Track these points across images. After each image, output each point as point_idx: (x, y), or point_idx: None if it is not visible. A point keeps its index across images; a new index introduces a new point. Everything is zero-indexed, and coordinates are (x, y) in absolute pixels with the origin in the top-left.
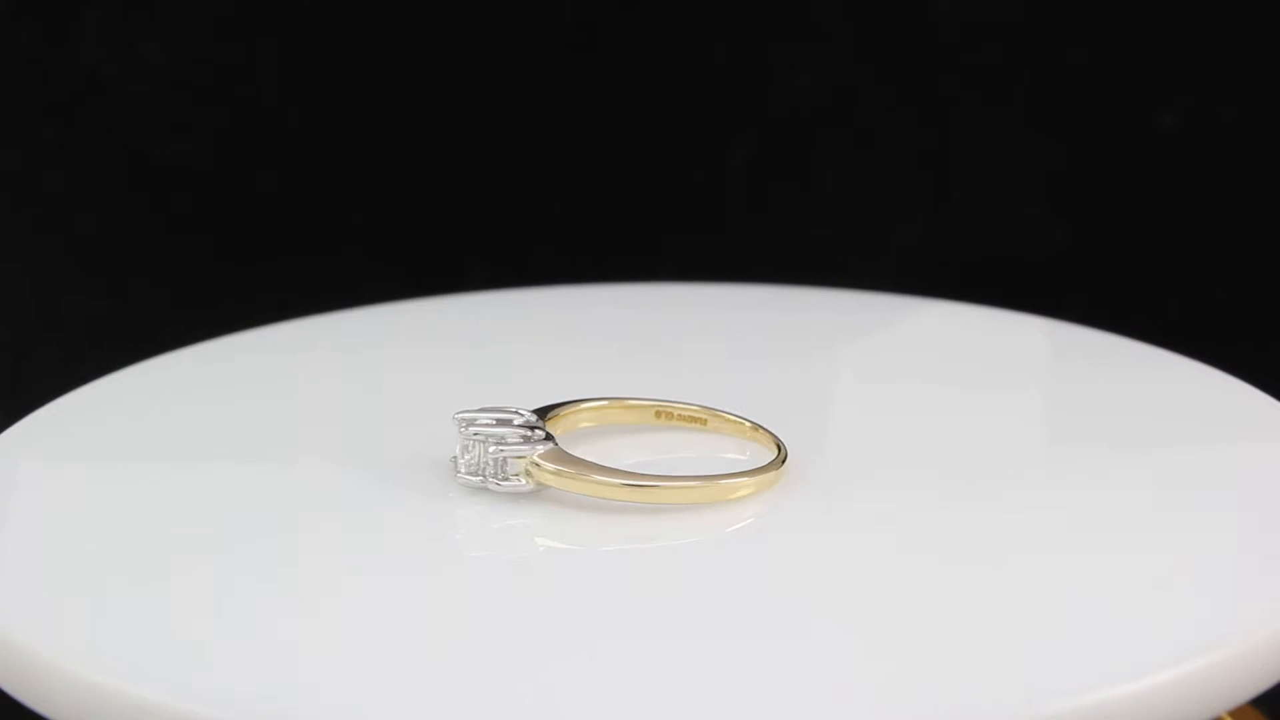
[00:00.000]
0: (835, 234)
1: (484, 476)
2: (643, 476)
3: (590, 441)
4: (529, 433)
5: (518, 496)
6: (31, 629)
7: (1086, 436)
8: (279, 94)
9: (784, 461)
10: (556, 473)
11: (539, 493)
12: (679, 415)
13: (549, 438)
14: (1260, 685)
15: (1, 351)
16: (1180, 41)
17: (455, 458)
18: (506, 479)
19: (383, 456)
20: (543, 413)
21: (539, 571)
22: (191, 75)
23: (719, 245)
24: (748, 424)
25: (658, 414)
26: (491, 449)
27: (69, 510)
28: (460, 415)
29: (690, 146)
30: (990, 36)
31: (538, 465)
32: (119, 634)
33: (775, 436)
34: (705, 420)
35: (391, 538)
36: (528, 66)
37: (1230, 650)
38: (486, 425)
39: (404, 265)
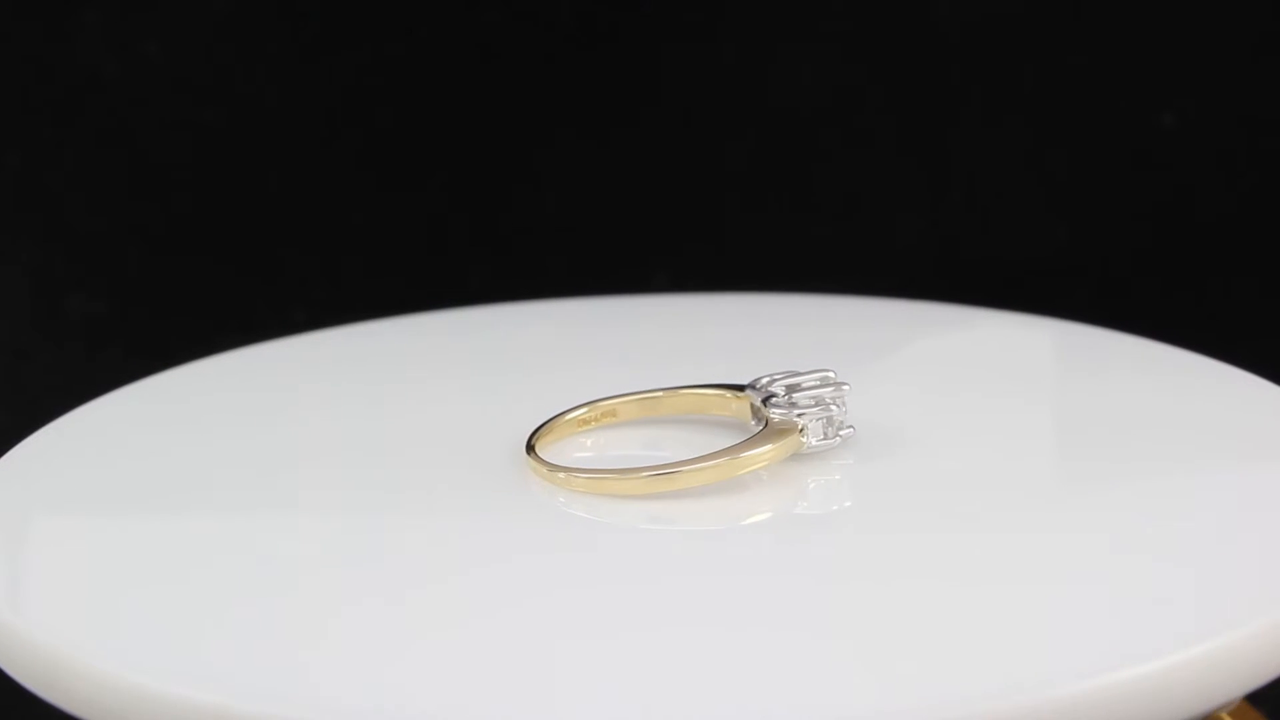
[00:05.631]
0: (835, 234)
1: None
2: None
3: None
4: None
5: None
6: (57, 631)
7: (1121, 444)
8: (279, 94)
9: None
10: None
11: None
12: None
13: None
14: (1258, 678)
15: (2, 351)
16: (1180, 41)
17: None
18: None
19: (386, 473)
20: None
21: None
22: (191, 75)
23: (718, 246)
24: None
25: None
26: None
27: (84, 524)
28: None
29: (690, 147)
30: (990, 37)
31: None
32: (141, 634)
33: (743, 388)
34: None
35: (404, 540)
36: (526, 68)
37: (1227, 639)
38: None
39: (403, 265)
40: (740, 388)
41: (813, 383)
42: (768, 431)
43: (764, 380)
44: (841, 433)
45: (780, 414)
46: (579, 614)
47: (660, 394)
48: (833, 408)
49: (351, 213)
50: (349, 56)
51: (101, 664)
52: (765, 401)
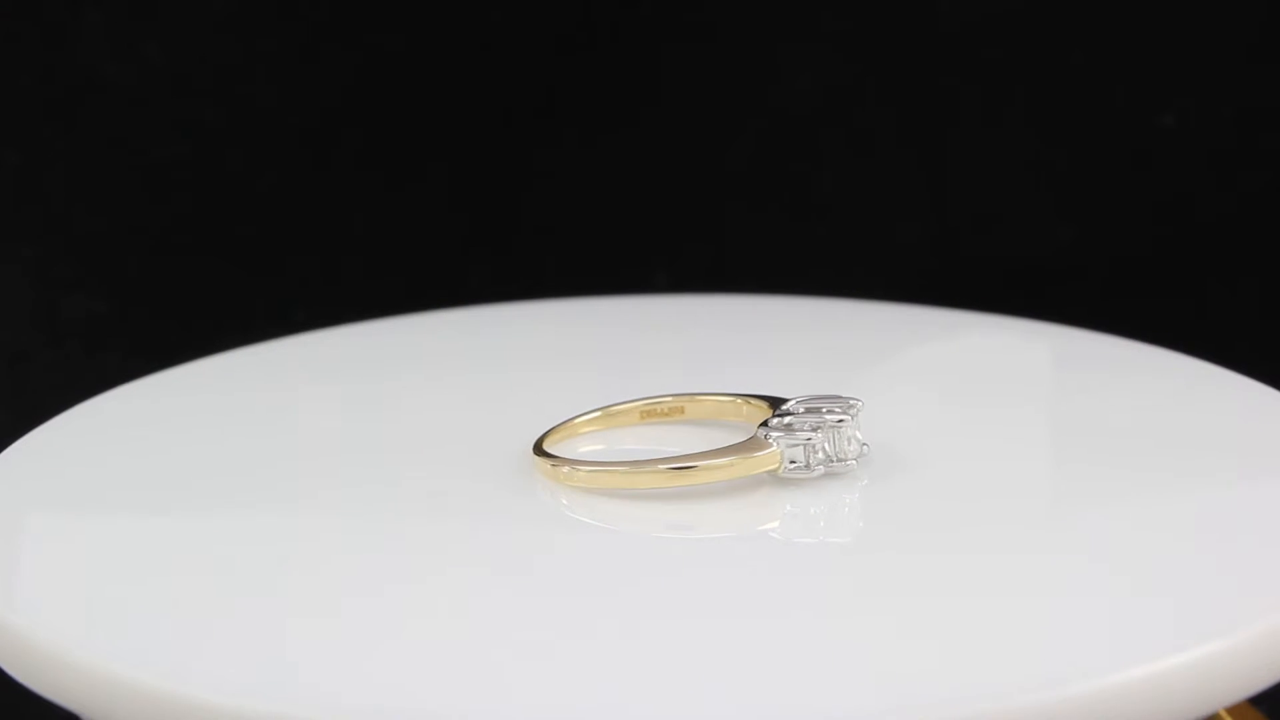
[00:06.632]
0: (835, 235)
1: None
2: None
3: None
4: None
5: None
6: (56, 628)
7: (1121, 453)
8: (279, 94)
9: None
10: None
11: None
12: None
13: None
14: (1260, 682)
15: (2, 351)
16: (1180, 41)
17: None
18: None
19: (385, 474)
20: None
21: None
22: (191, 75)
23: (719, 246)
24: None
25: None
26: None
27: (81, 522)
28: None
29: (690, 147)
30: (990, 36)
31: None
32: (139, 629)
33: (768, 400)
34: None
35: (404, 540)
36: (526, 67)
37: (1230, 641)
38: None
39: (403, 265)
40: (774, 400)
41: (833, 411)
42: (752, 442)
43: (792, 400)
44: (834, 465)
45: (774, 435)
46: (577, 616)
47: (669, 399)
48: (814, 436)
49: (351, 213)
50: (349, 56)
51: (98, 660)
52: (773, 416)
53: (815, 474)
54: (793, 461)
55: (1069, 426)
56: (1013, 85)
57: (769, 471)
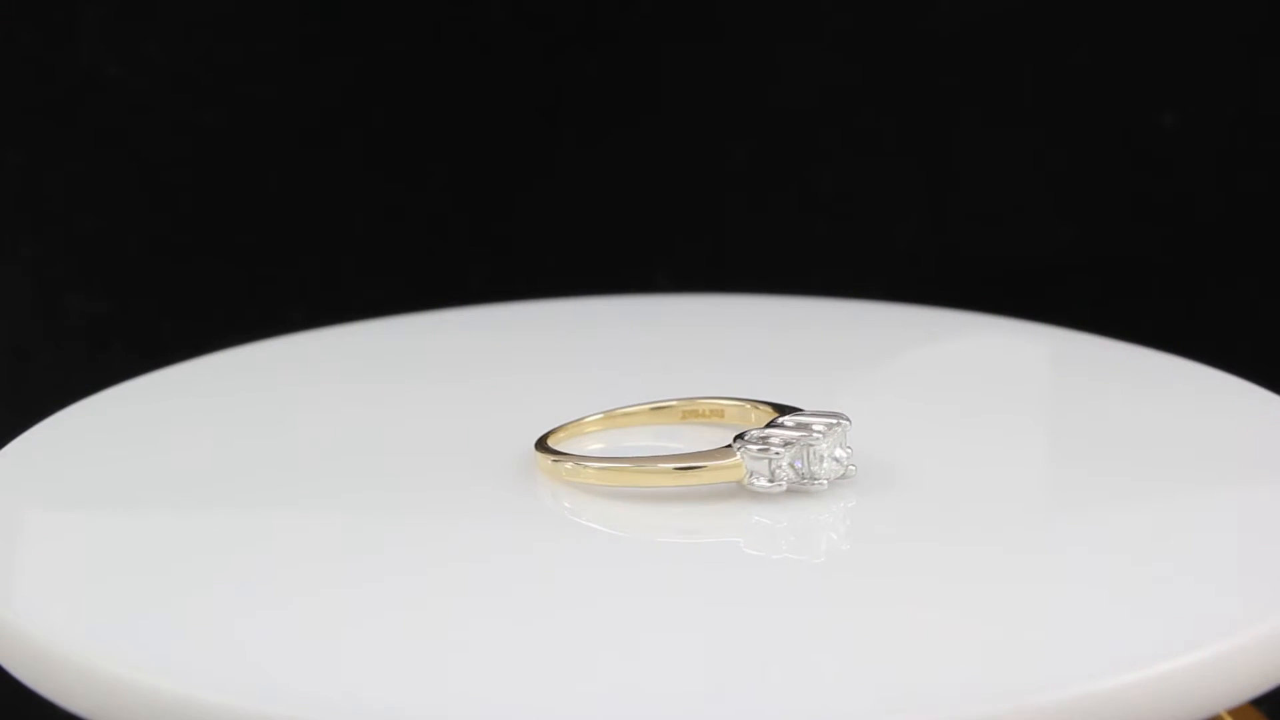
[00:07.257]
0: (835, 234)
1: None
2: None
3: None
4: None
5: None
6: (58, 629)
7: (1120, 458)
8: (279, 94)
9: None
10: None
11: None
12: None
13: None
14: (1262, 684)
15: (2, 351)
16: (1180, 41)
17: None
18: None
19: (384, 474)
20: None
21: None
22: (191, 75)
23: (719, 246)
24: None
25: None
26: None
27: (79, 520)
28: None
29: (690, 147)
30: (990, 36)
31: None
32: (142, 630)
33: (775, 406)
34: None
35: (404, 540)
36: (527, 67)
37: (1232, 644)
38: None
39: (403, 265)
40: (782, 409)
41: (818, 427)
42: (722, 451)
43: (795, 412)
44: (803, 484)
45: (748, 447)
46: (577, 616)
47: (675, 402)
48: (782, 452)
49: (351, 212)
50: (349, 57)
51: (98, 660)
52: (755, 428)
53: (779, 489)
54: (753, 474)
55: (1068, 429)
56: (1013, 85)
57: (735, 483)
